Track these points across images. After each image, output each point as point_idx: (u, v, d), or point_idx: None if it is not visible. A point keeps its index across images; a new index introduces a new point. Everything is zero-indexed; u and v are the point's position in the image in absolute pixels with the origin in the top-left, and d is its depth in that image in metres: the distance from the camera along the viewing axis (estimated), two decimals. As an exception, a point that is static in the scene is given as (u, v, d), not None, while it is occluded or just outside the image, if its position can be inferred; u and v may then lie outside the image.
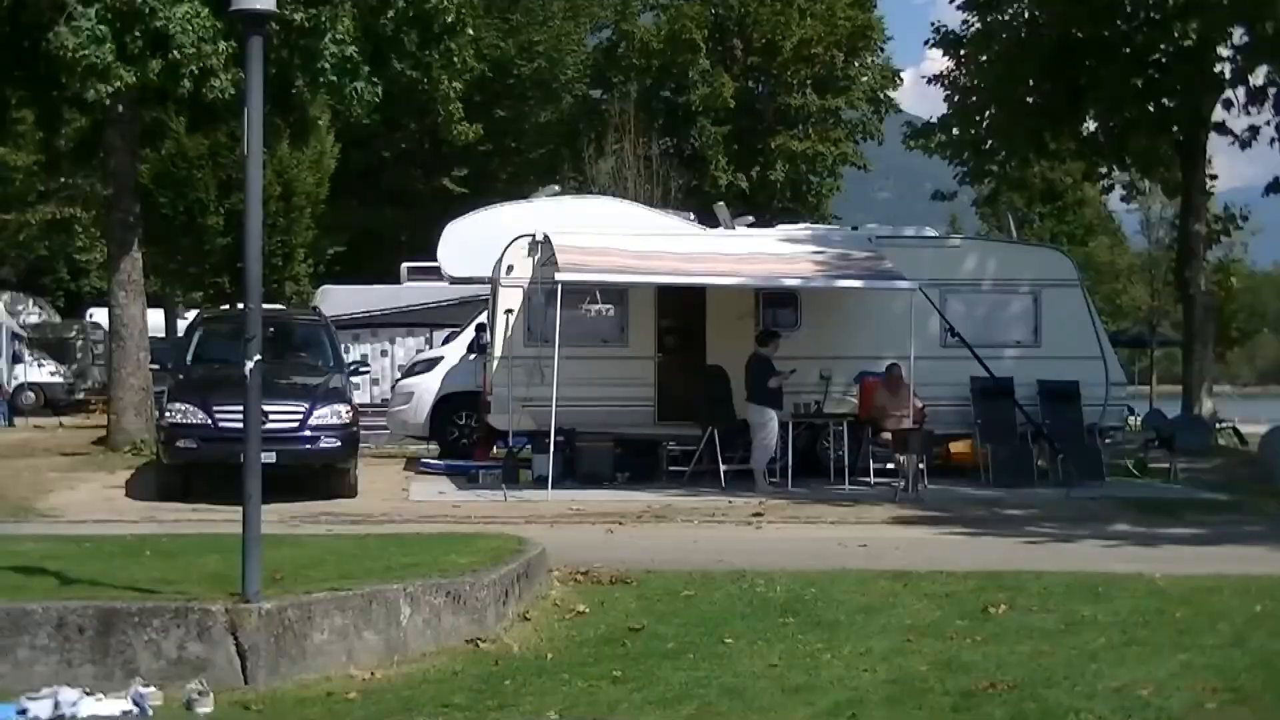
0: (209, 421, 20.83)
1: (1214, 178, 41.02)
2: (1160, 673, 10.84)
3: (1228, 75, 37.40)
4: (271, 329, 22.82)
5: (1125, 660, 11.25)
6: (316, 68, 26.07)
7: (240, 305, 12.33)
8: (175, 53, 24.47)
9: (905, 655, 11.48)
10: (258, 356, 10.98)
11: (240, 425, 11.49)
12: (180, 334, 30.18)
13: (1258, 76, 37.18)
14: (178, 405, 21.33)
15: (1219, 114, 38.18)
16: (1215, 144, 43.88)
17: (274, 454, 19.29)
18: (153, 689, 10.04)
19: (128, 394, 27.78)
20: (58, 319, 61.47)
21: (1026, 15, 38.16)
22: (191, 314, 37.90)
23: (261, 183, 11.48)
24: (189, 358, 23.68)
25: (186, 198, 45.50)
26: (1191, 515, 21.85)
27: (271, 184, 44.44)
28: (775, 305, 26.69)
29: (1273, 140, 35.75)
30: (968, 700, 10.16)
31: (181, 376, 22.90)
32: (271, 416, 19.36)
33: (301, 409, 21.43)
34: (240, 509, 11.00)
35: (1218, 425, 38.29)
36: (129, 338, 27.88)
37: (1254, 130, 38.30)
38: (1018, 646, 11.70)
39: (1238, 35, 36.46)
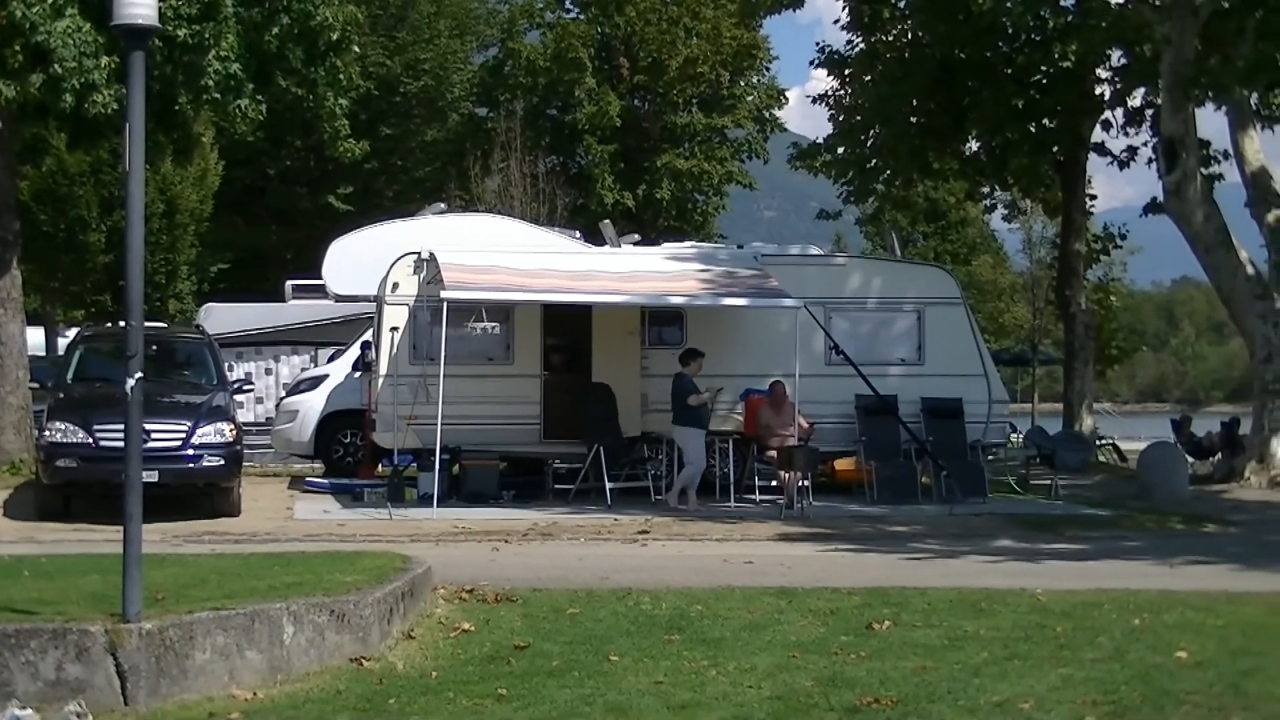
0: (90, 440, 20.56)
1: (1093, 198, 41.63)
2: (1041, 687, 10.94)
3: (1107, 97, 38.03)
4: (154, 347, 22.63)
5: (1007, 675, 11.34)
6: (200, 84, 25.84)
7: (122, 323, 12.20)
8: (56, 67, 24.14)
9: (790, 671, 11.51)
10: (139, 374, 10.87)
11: (121, 444, 11.38)
12: (61, 352, 29.86)
13: (1135, 98, 37.83)
14: (58, 424, 21.04)
15: (1098, 135, 38.87)
16: (1095, 164, 44.59)
17: (156, 473, 19.14)
18: (30, 711, 9.90)
19: (6, 413, 27.38)
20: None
21: (910, 36, 38.60)
22: (72, 332, 37.47)
23: (144, 200, 11.37)
24: (69, 376, 23.37)
25: (68, 215, 44.98)
26: (1072, 531, 22.09)
27: (154, 201, 44.09)
28: (661, 323, 26.77)
29: (1150, 161, 36.23)
30: (852, 716, 10.20)
31: (62, 395, 22.60)
32: (153, 435, 19.24)
33: (184, 427, 21.22)
34: (121, 528, 10.89)
35: (1098, 442, 38.79)
36: (8, 356, 27.47)
37: (1132, 151, 38.94)
38: (901, 662, 11.76)
39: (1116, 58, 37.11)
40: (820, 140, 40.97)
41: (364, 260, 26.63)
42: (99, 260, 45.69)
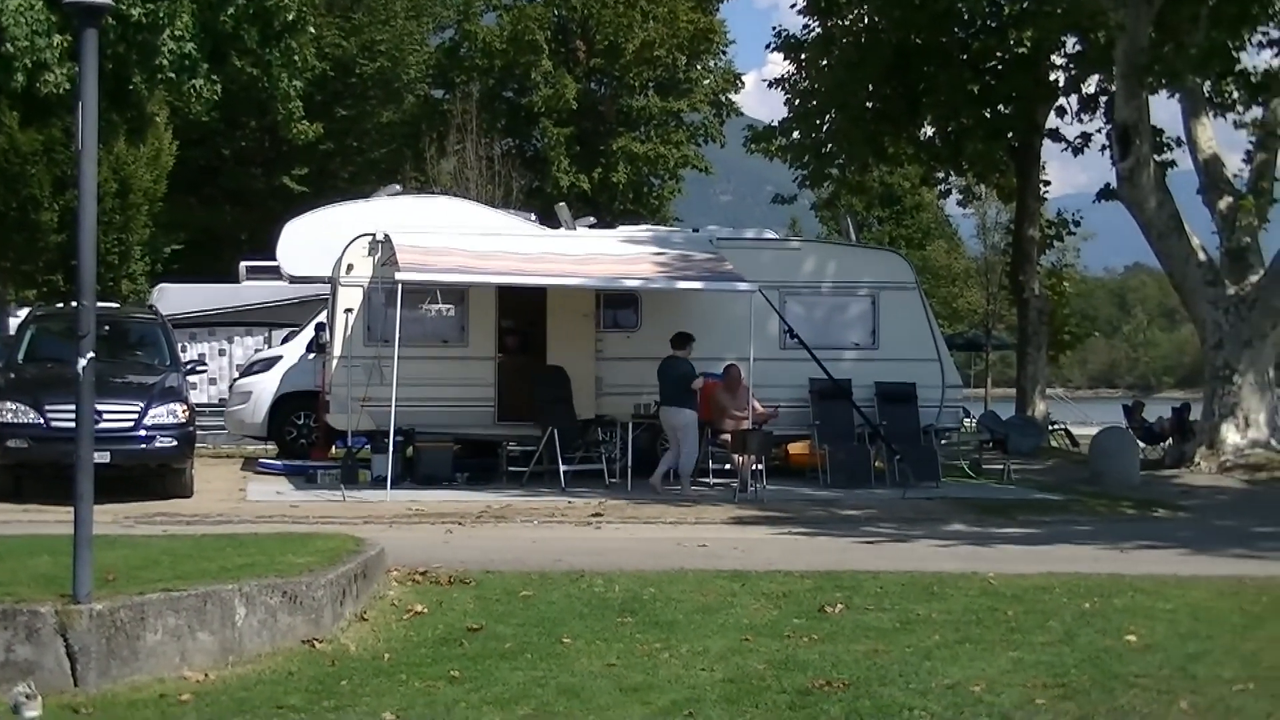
0: (41, 421, 20.45)
1: (1048, 183, 41.76)
2: (992, 670, 10.99)
3: (1061, 83, 38.14)
4: (106, 327, 22.55)
5: (959, 658, 11.39)
6: (154, 64, 25.71)
7: (74, 303, 12.14)
8: (8, 46, 23.93)
9: (742, 654, 11.53)
10: (90, 355, 10.82)
11: (73, 424, 11.33)
12: (12, 332, 29.75)
13: (1090, 85, 37.96)
14: (9, 404, 20.90)
15: (1052, 121, 39.03)
16: (1049, 150, 44.82)
17: (108, 454, 19.05)
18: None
19: (-43, 393, 27.21)
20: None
21: (866, 21, 38.59)
22: (24, 312, 37.27)
23: (96, 179, 11.31)
24: (21, 356, 23.20)
25: (19, 194, 44.52)
26: (1024, 515, 22.18)
27: (107, 181, 43.73)
28: (616, 306, 26.78)
29: (1104, 147, 36.36)
30: (804, 698, 10.23)
31: (13, 375, 22.44)
32: (105, 416, 19.17)
33: (136, 408, 21.13)
34: (72, 509, 10.84)
35: (1050, 428, 38.97)
36: (-41, 336, 27.34)
37: (1086, 137, 39.08)
38: (853, 645, 11.80)
39: (1071, 44, 37.20)
40: (776, 124, 40.97)
41: (318, 242, 26.55)
42: (51, 240, 45.27)
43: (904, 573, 15.11)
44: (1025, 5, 35.38)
